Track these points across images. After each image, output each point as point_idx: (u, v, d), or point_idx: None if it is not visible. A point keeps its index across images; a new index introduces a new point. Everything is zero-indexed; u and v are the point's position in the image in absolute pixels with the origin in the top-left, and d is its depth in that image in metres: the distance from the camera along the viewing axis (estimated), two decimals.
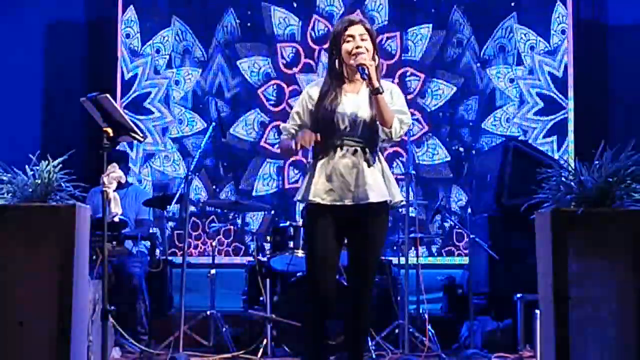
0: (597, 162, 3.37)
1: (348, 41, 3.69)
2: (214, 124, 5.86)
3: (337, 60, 3.75)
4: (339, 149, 3.67)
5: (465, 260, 6.89)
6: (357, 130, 3.67)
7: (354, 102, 3.72)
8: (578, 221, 3.28)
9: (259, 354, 5.35)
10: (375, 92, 3.60)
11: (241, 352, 5.48)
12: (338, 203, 3.65)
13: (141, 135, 4.00)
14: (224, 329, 5.74)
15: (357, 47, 3.65)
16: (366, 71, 3.58)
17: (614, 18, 7.64)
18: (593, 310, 3.28)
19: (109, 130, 3.82)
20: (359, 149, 3.67)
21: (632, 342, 3.26)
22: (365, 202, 3.64)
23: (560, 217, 3.30)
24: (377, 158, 3.73)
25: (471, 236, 5.83)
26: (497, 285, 6.08)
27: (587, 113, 7.62)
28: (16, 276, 3.40)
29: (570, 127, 7.68)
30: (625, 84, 7.56)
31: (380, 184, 3.68)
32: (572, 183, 3.37)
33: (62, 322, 3.38)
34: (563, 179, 3.42)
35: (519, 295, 5.67)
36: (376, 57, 3.74)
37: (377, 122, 3.66)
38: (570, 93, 7.70)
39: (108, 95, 3.84)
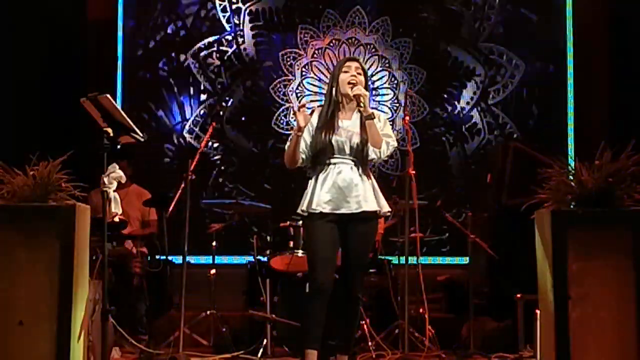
0: (597, 162, 3.37)
1: (345, 72, 4.33)
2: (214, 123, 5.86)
3: (334, 89, 4.36)
4: (335, 166, 4.29)
5: (465, 260, 6.88)
6: (351, 151, 4.29)
7: (347, 127, 4.33)
8: (578, 221, 3.28)
9: (259, 354, 5.35)
10: (368, 118, 4.22)
11: (241, 352, 5.48)
12: (336, 212, 4.25)
13: (141, 135, 4.00)
14: (224, 329, 5.74)
15: (353, 77, 4.28)
16: (361, 100, 4.19)
17: (614, 17, 7.64)
18: (593, 310, 3.28)
19: (109, 130, 3.82)
20: (352, 166, 4.29)
21: (632, 342, 3.26)
22: (358, 210, 4.25)
23: (560, 217, 3.30)
24: (368, 174, 4.33)
25: (471, 236, 5.83)
26: (497, 285, 6.08)
27: (587, 112, 7.62)
28: (16, 276, 3.40)
29: (570, 126, 7.68)
30: (626, 83, 7.55)
31: (371, 196, 4.30)
32: (572, 183, 3.37)
33: (62, 322, 3.38)
34: (563, 178, 3.42)
35: (519, 295, 5.66)
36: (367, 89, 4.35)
37: (368, 144, 4.26)
38: (571, 92, 7.70)
39: (108, 95, 3.84)
